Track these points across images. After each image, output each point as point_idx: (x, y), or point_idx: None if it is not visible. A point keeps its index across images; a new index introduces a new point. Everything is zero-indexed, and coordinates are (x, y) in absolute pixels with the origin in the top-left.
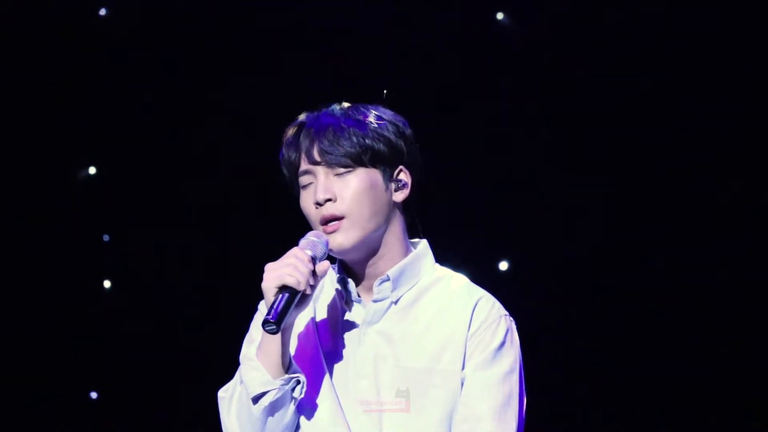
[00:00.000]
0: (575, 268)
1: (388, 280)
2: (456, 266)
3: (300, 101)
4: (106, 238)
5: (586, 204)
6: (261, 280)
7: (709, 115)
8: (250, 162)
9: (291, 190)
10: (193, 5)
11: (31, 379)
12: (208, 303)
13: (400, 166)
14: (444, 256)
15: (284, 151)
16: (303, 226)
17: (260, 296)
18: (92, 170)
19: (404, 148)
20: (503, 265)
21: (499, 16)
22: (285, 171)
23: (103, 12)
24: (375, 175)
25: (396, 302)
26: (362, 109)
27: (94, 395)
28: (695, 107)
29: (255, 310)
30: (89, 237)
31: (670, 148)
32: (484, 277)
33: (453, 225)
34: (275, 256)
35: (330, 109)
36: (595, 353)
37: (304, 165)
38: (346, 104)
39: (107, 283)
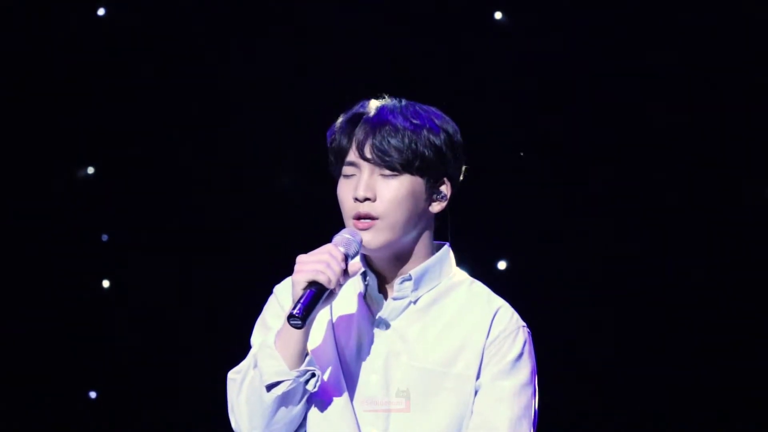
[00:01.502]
0: (574, 268)
1: (410, 279)
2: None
3: (300, 102)
4: (104, 237)
5: (586, 204)
6: (260, 280)
7: (710, 116)
8: (250, 162)
9: (330, 170)
10: (194, 4)
11: (31, 379)
12: (208, 303)
13: (444, 178)
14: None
15: (336, 135)
16: (302, 228)
17: (261, 296)
18: (91, 170)
19: (451, 160)
20: (502, 265)
21: (497, 15)
22: (332, 156)
23: (102, 12)
24: (418, 184)
25: (415, 302)
26: (420, 111)
27: (93, 395)
28: (696, 107)
29: (258, 301)
30: (88, 236)
31: (670, 148)
32: (482, 276)
33: (452, 224)
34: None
35: (390, 105)
36: (594, 353)
37: (353, 156)
38: (404, 101)
39: (106, 283)
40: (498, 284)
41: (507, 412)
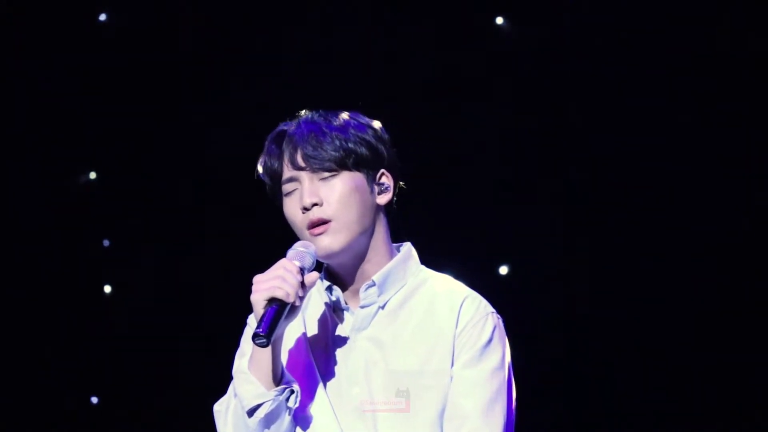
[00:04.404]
0: (575, 273)
1: (374, 285)
2: (456, 270)
3: (303, 105)
4: (106, 243)
5: (587, 208)
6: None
7: (715, 120)
8: (251, 168)
9: (273, 201)
10: (194, 10)
11: (32, 385)
12: (209, 308)
13: (382, 170)
14: (444, 260)
15: (266, 159)
16: None
17: None
18: (93, 175)
19: (384, 152)
20: (503, 270)
21: (499, 20)
22: (267, 180)
23: (103, 17)
24: (359, 178)
25: (383, 307)
26: (341, 114)
27: (95, 400)
28: (698, 112)
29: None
30: (89, 242)
31: (671, 153)
32: (484, 281)
33: (453, 229)
34: (275, 261)
35: (309, 116)
36: (595, 358)
37: (288, 172)
38: (323, 111)
39: (108, 289)
40: (499, 289)
41: (477, 398)
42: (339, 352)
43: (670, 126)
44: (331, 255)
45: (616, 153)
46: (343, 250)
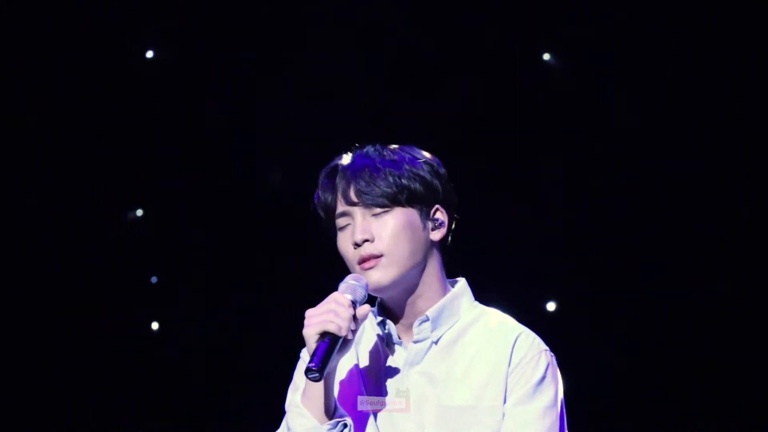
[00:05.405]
0: (622, 309)
1: (428, 320)
2: (504, 307)
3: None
4: (154, 279)
5: (635, 245)
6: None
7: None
8: (302, 204)
9: (327, 234)
10: (239, 46)
11: (80, 421)
12: (257, 345)
13: (436, 205)
14: (492, 296)
15: (320, 193)
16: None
17: None
18: (140, 212)
19: (439, 188)
20: (551, 306)
21: (546, 56)
22: (321, 213)
23: (150, 54)
24: (412, 214)
25: (436, 342)
26: (396, 149)
27: None
28: (739, 141)
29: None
30: (137, 279)
31: (713, 183)
32: (531, 317)
33: (501, 265)
34: (327, 295)
35: (364, 150)
36: (643, 395)
37: (341, 207)
38: (379, 145)
39: (155, 325)
40: (547, 325)
41: None
42: (391, 387)
43: (715, 159)
44: (380, 289)
45: (662, 190)
46: (392, 285)
